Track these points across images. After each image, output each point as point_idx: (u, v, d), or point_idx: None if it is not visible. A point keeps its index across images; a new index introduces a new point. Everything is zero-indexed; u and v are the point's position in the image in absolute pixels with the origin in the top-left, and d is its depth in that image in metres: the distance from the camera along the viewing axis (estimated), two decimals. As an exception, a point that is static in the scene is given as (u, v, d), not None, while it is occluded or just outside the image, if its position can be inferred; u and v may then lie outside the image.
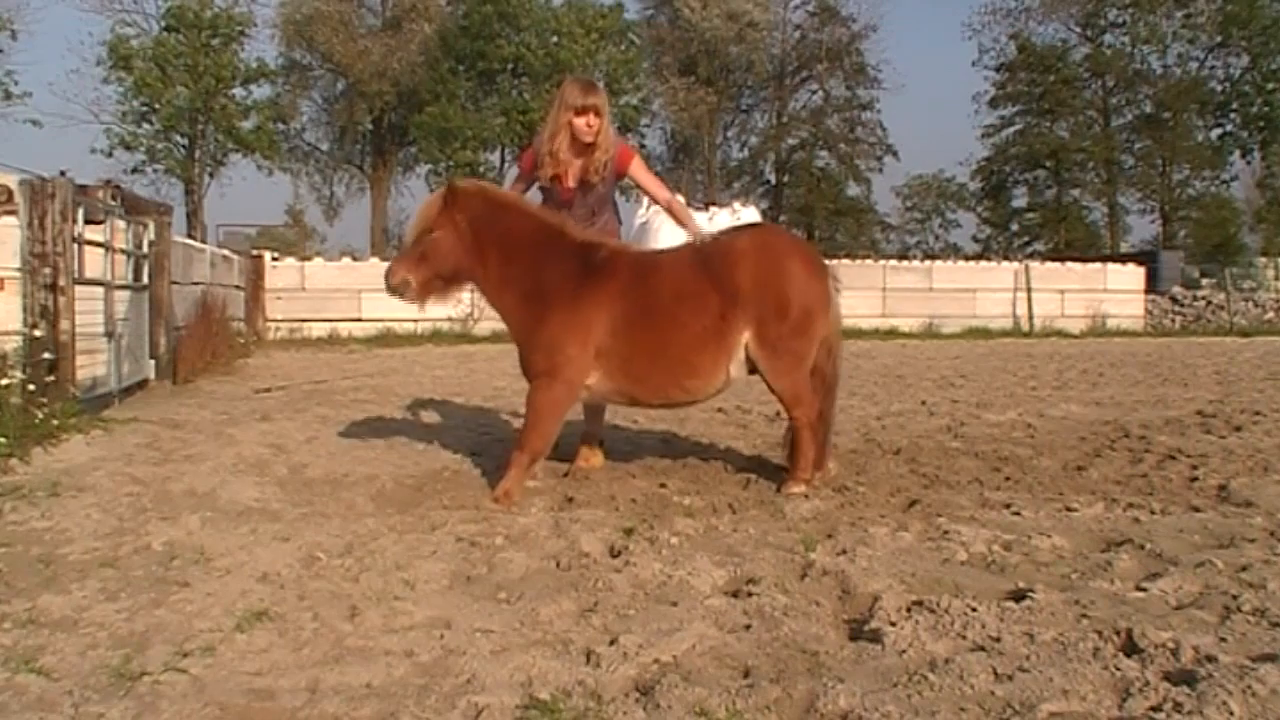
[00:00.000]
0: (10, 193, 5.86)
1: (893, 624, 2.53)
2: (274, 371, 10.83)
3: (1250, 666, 2.18)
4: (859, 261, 22.75)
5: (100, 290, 6.96)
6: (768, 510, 3.92)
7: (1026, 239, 46.57)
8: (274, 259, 19.04)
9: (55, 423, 5.09)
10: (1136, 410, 7.29)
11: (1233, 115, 41.36)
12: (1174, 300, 24.72)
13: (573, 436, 4.92)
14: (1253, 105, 40.54)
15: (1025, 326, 21.40)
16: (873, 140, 44.07)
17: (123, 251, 7.63)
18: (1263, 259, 30.52)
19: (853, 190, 44.78)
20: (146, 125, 32.78)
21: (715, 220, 5.00)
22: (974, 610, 2.60)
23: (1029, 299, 21.57)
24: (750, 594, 2.81)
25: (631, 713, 2.06)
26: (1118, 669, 2.22)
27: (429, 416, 6.83)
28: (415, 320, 18.46)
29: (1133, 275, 23.20)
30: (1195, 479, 4.56)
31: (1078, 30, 43.20)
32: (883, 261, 23.43)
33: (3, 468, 4.34)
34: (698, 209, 5.22)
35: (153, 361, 8.23)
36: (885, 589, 2.83)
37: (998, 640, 2.43)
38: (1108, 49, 42.36)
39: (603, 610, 2.71)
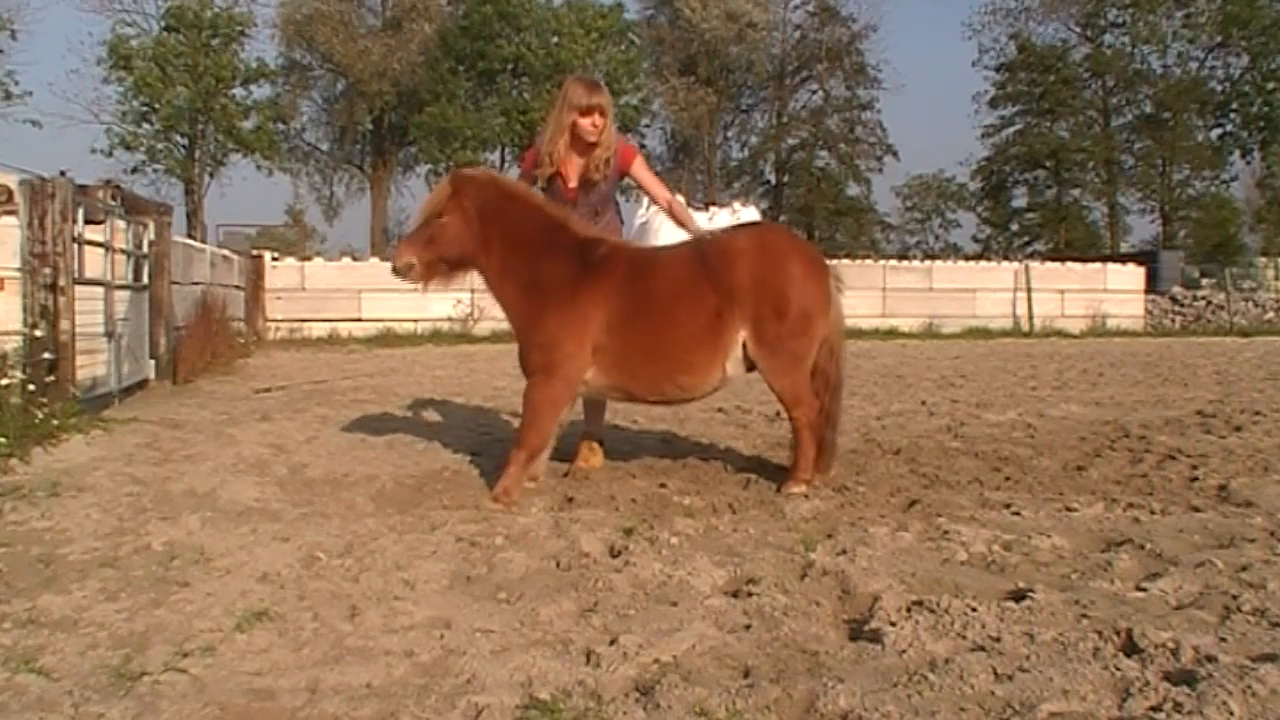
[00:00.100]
0: (10, 193, 5.86)
1: (893, 624, 2.53)
2: (274, 371, 10.83)
3: (1250, 666, 2.18)
4: (859, 261, 22.75)
5: (100, 290, 6.96)
6: (768, 510, 3.92)
7: (1026, 239, 46.59)
8: (274, 259, 19.03)
9: (55, 423, 5.09)
10: (1136, 410, 7.29)
11: (1233, 115, 41.36)
12: (1174, 300, 24.72)
13: (573, 436, 4.92)
14: (1253, 105, 40.54)
15: (1025, 326, 21.40)
16: (873, 140, 44.10)
17: (123, 251, 7.63)
18: (1263, 259, 30.54)
19: (853, 190, 44.83)
20: (146, 125, 32.79)
21: (715, 220, 5.01)
22: (974, 610, 2.60)
23: (1029, 299, 21.58)
24: (750, 594, 2.81)
25: (631, 713, 2.06)
26: (1118, 669, 2.22)
27: (429, 416, 6.83)
28: (415, 320, 18.49)
29: (1133, 275, 23.20)
30: (1195, 479, 4.56)
31: (1078, 30, 43.23)
32: (883, 261, 23.42)
33: (3, 468, 4.34)
34: (698, 209, 5.22)
35: (153, 361, 8.23)
36: (885, 589, 2.83)
37: (998, 640, 2.43)
38: (1108, 49, 42.37)
39: (603, 610, 2.71)
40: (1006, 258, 34.12)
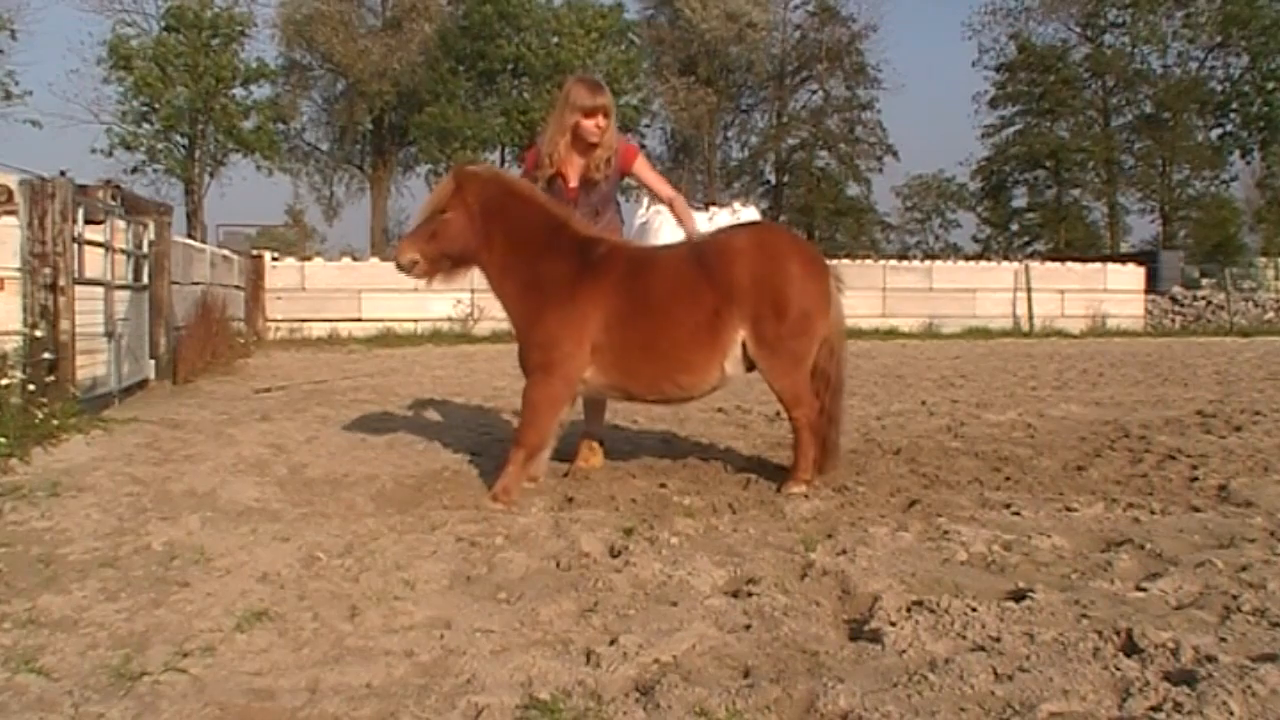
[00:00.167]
0: (10, 193, 5.86)
1: (893, 624, 2.53)
2: (274, 371, 10.83)
3: (1250, 666, 2.18)
4: (859, 261, 22.75)
5: (100, 290, 6.97)
6: (768, 510, 3.92)
7: (1026, 239, 46.62)
8: (274, 259, 19.03)
9: (55, 423, 5.09)
10: (1136, 410, 7.29)
11: (1233, 115, 41.38)
12: (1174, 300, 24.73)
13: (573, 436, 4.92)
14: (1253, 105, 40.55)
15: (1025, 326, 21.40)
16: (873, 140, 44.13)
17: (123, 251, 7.63)
18: (1263, 259, 30.56)
19: (853, 190, 44.87)
20: (146, 125, 32.81)
21: (715, 220, 5.01)
22: (974, 610, 2.60)
23: (1029, 299, 21.58)
24: (750, 594, 2.81)
25: (631, 713, 2.06)
26: (1118, 669, 2.22)
27: (429, 416, 6.83)
28: (415, 320, 18.50)
29: (1133, 275, 23.20)
30: (1195, 479, 4.56)
31: (1078, 30, 43.25)
32: (883, 261, 23.43)
33: (3, 468, 4.34)
34: (697, 209, 5.22)
35: (153, 361, 8.23)
36: (885, 589, 2.82)
37: (998, 640, 2.43)
38: (1108, 49, 42.39)
39: (603, 610, 2.71)
40: (1006, 258, 34.14)
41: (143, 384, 7.93)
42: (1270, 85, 39.92)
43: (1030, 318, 21.48)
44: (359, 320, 18.59)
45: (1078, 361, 12.93)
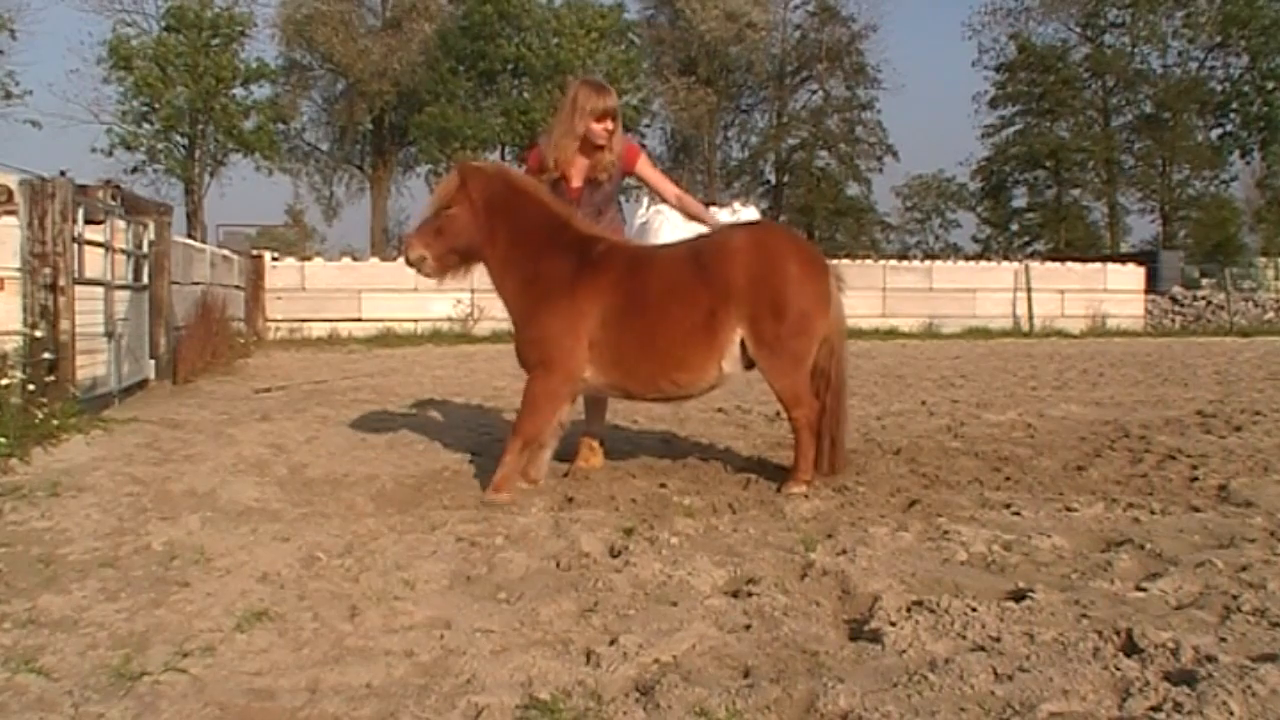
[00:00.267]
0: (10, 193, 5.86)
1: (893, 624, 2.53)
2: (274, 371, 10.83)
3: (1250, 666, 2.18)
4: (859, 261, 22.76)
5: (100, 290, 6.96)
6: (768, 510, 3.92)
7: (1026, 239, 46.61)
8: (274, 259, 19.03)
9: (55, 423, 5.09)
10: (1136, 410, 7.28)
11: (1233, 115, 41.39)
12: (1174, 300, 24.73)
13: (573, 436, 4.92)
14: (1253, 105, 40.56)
15: (1025, 326, 21.40)
16: (873, 140, 44.14)
17: (123, 251, 7.63)
18: (1263, 259, 30.57)
19: (853, 190, 44.88)
20: (146, 125, 32.82)
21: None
22: (974, 610, 2.60)
23: (1029, 299, 21.58)
24: (750, 594, 2.81)
25: (631, 713, 2.06)
26: (1118, 669, 2.22)
27: (429, 416, 6.83)
28: (415, 320, 18.51)
29: (1133, 275, 23.20)
30: (1195, 479, 4.56)
31: (1078, 30, 43.26)
32: (883, 261, 23.44)
33: (3, 468, 4.34)
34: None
35: (153, 361, 8.23)
36: (885, 589, 2.82)
37: (998, 640, 2.43)
38: (1108, 49, 42.40)
39: (603, 610, 2.71)
40: (1006, 258, 34.12)
41: (143, 384, 7.93)
42: (1270, 85, 39.93)
43: (1030, 318, 21.48)
44: (359, 320, 18.59)
45: (1078, 361, 12.93)
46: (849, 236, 44.53)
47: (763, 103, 44.40)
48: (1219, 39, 40.28)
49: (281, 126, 36.67)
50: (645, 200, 5.10)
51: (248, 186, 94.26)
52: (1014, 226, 47.19)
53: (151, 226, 8.28)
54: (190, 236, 21.37)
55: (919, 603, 2.68)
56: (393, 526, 3.64)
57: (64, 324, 5.91)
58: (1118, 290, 22.74)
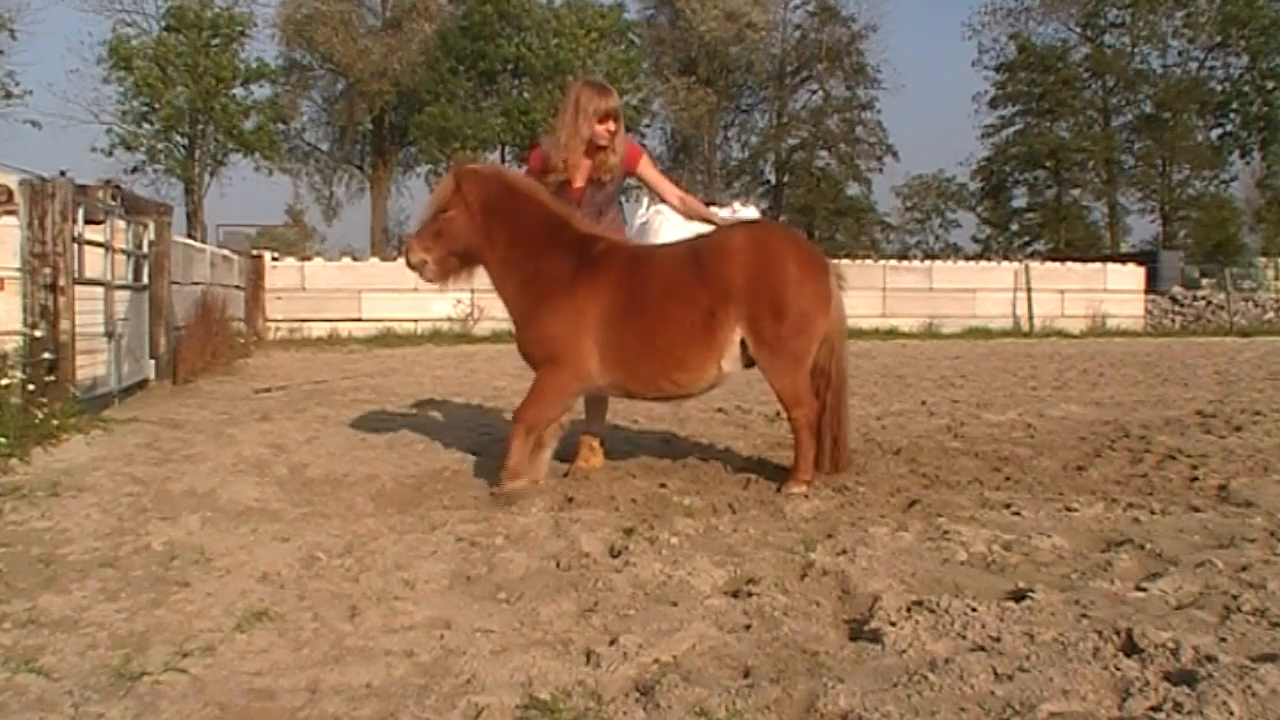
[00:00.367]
0: (10, 193, 5.86)
1: (893, 624, 2.53)
2: (274, 371, 10.83)
3: (1250, 666, 2.18)
4: (859, 261, 22.76)
5: (100, 290, 6.96)
6: (768, 510, 3.92)
7: (1026, 239, 46.61)
8: (274, 259, 19.04)
9: (55, 423, 5.09)
10: (1136, 410, 7.28)
11: (1233, 115, 41.39)
12: (1174, 300, 24.73)
13: (573, 436, 4.92)
14: (1253, 105, 40.57)
15: (1025, 326, 21.40)
16: (873, 140, 44.14)
17: (123, 251, 7.63)
18: (1263, 259, 30.57)
19: (853, 190, 44.87)
20: (146, 125, 32.82)
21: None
22: (974, 610, 2.60)
23: (1029, 299, 21.58)
24: (750, 594, 2.81)
25: (631, 713, 2.06)
26: (1118, 669, 2.22)
27: (429, 416, 6.83)
28: (415, 320, 18.51)
29: (1133, 275, 23.20)
30: (1195, 479, 4.56)
31: (1078, 30, 43.26)
32: (883, 261, 23.44)
33: (3, 468, 4.34)
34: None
35: (153, 361, 8.23)
36: (885, 589, 2.82)
37: (998, 640, 2.43)
38: (1108, 49, 42.40)
39: (603, 610, 2.71)
40: (1006, 258, 34.10)
41: (143, 384, 7.93)
42: (1270, 85, 39.93)
43: (1030, 318, 21.48)
44: (359, 320, 18.59)
45: (1078, 361, 12.93)
46: (849, 236, 44.53)
47: (763, 103, 44.44)
48: (1219, 39, 40.28)
49: (281, 126, 36.67)
50: (645, 200, 5.10)
51: (248, 186, 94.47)
52: (1014, 226, 47.20)
53: (151, 226, 8.28)
54: (190, 236, 21.36)
55: (919, 603, 2.68)
56: (393, 526, 3.64)
57: (64, 324, 5.91)
58: (1118, 290, 22.74)
